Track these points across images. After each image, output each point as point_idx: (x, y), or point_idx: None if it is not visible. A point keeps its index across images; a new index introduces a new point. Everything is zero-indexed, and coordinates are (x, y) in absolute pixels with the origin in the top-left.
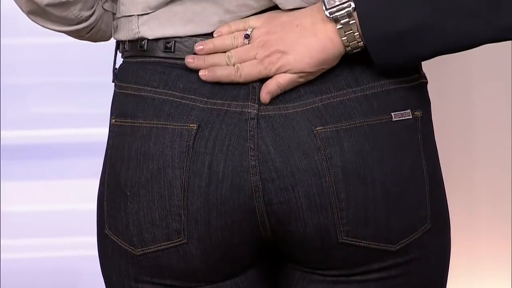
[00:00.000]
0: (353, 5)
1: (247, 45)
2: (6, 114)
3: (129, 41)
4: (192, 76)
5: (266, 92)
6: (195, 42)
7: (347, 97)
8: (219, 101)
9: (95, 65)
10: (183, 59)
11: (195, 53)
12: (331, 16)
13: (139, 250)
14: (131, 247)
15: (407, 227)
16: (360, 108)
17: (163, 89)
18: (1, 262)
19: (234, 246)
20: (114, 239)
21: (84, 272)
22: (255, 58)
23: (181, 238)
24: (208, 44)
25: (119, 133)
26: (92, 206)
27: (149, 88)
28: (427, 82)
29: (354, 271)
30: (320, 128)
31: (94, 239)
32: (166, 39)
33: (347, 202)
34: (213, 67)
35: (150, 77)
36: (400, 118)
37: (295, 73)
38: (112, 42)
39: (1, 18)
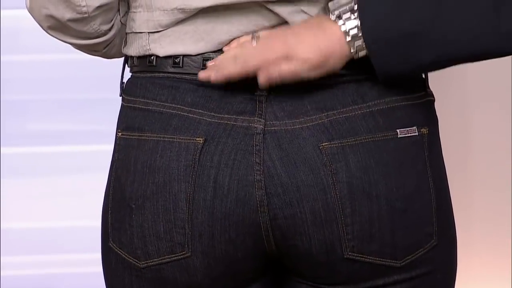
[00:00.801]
0: (353, 3)
1: (254, 46)
2: (6, 131)
3: (138, 57)
4: (200, 90)
5: (265, 76)
6: (203, 58)
7: (353, 113)
8: (226, 116)
9: (94, 82)
10: (192, 73)
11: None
12: (335, 14)
13: (143, 262)
14: (135, 260)
15: (412, 243)
16: (366, 125)
17: (171, 103)
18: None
19: (238, 260)
20: (118, 251)
21: None
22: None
23: (185, 252)
24: (217, 59)
25: (125, 146)
26: (90, 223)
27: (157, 102)
28: (434, 100)
29: (359, 286)
30: (326, 143)
31: (90, 256)
32: (175, 56)
33: (352, 218)
34: (220, 67)
35: (159, 91)
36: (406, 135)
37: (299, 60)
38: (110, 60)
39: (0, 35)
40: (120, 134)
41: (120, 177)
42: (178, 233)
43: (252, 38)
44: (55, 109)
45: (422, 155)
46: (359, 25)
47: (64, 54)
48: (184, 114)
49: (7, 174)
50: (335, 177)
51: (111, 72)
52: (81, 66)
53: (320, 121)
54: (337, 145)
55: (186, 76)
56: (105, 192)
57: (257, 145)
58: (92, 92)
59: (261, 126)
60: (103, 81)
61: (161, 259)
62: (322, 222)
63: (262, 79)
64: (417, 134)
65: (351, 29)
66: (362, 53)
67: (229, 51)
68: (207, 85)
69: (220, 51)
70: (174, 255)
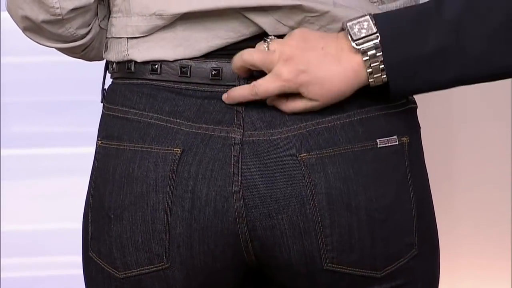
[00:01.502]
0: (378, 39)
1: (269, 54)
2: None
3: (117, 62)
4: (178, 99)
5: (284, 107)
6: (181, 65)
7: (332, 123)
8: (203, 125)
9: (80, 84)
10: (170, 81)
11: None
12: (359, 47)
13: (122, 273)
14: (114, 270)
15: (392, 253)
16: (345, 135)
17: (149, 112)
18: None
19: (217, 270)
20: (97, 261)
21: None
22: (274, 73)
23: (163, 263)
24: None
25: (104, 155)
26: (77, 225)
27: (135, 111)
28: (416, 107)
29: None
30: (305, 154)
31: (78, 259)
32: (153, 62)
33: (331, 229)
34: (232, 89)
35: (137, 99)
36: (386, 145)
37: (310, 99)
38: (95, 61)
39: None
40: (99, 142)
41: (99, 186)
42: (157, 244)
43: (264, 41)
44: (38, 112)
45: (402, 165)
46: (382, 59)
47: (50, 55)
48: (162, 123)
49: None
50: (314, 188)
51: (98, 74)
52: (68, 68)
53: (298, 132)
54: (316, 156)
55: (165, 84)
56: (85, 201)
57: (235, 155)
58: (78, 94)
59: (239, 137)
60: (89, 83)
61: (140, 270)
62: (301, 234)
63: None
64: (397, 143)
65: (373, 62)
66: (379, 84)
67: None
68: (185, 93)
69: (197, 58)
70: (153, 266)
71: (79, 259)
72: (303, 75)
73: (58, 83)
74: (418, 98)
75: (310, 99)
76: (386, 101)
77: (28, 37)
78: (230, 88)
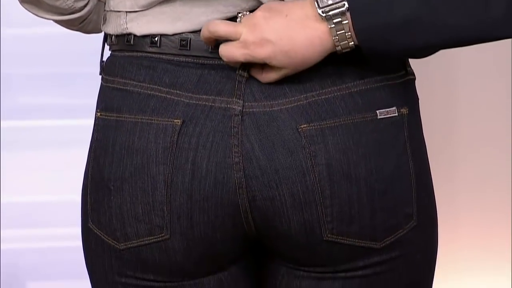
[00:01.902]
0: (347, 5)
1: (235, 25)
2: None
3: (116, 35)
4: (178, 70)
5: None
6: (181, 38)
7: (332, 95)
8: (204, 96)
9: (76, 56)
10: (169, 53)
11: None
12: (324, 15)
13: (122, 244)
14: (114, 241)
15: (392, 224)
16: (345, 106)
17: (148, 83)
18: None
19: (217, 241)
20: (97, 232)
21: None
22: (240, 41)
23: (163, 234)
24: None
25: (104, 127)
26: (76, 197)
27: (135, 83)
28: (415, 79)
29: (339, 268)
30: (305, 125)
31: (78, 230)
32: (153, 35)
33: (331, 200)
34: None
35: (136, 71)
36: (385, 116)
37: (280, 68)
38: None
39: None
40: (98, 114)
41: (98, 158)
42: (157, 215)
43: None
44: (38, 83)
45: (402, 136)
46: (350, 23)
47: (55, 28)
48: (162, 95)
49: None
50: (314, 160)
51: (96, 47)
52: (66, 40)
53: (299, 103)
54: (316, 127)
55: (164, 56)
56: (84, 172)
57: (235, 127)
58: (76, 66)
59: (239, 108)
60: (87, 55)
61: (140, 241)
62: (301, 204)
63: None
64: (396, 114)
65: (338, 29)
66: (347, 50)
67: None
68: (184, 65)
69: (197, 32)
70: (153, 237)
71: (78, 230)
72: (267, 45)
73: (56, 55)
74: (416, 70)
75: (279, 68)
76: (385, 72)
77: (26, 9)
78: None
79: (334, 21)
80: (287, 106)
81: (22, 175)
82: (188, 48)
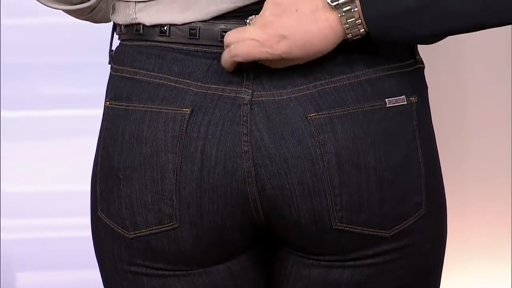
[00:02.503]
0: None
1: (247, 27)
2: (5, 94)
3: (125, 25)
4: (187, 59)
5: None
6: (190, 28)
7: (341, 83)
8: (213, 86)
9: (83, 45)
10: (178, 43)
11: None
12: (333, 3)
13: (132, 233)
14: (124, 230)
15: (401, 213)
16: (354, 95)
17: (158, 72)
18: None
19: (226, 230)
20: (106, 221)
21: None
22: (254, 39)
23: (173, 223)
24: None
25: (113, 116)
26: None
27: (144, 72)
28: (424, 67)
29: (348, 256)
30: (314, 114)
31: (81, 220)
32: (162, 25)
33: (341, 188)
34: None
35: (146, 60)
36: (395, 104)
37: (292, 59)
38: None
39: None
40: (108, 103)
41: (107, 147)
42: (166, 204)
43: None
44: (43, 73)
45: (411, 124)
46: (359, 11)
47: (67, 17)
48: (171, 84)
49: (6, 137)
50: (323, 148)
51: (104, 36)
52: (74, 30)
53: (308, 92)
54: (325, 115)
55: (173, 45)
56: (93, 161)
57: (244, 115)
58: (82, 56)
59: (249, 97)
60: (95, 44)
61: (149, 230)
62: (311, 193)
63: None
64: (405, 103)
65: (348, 18)
66: (357, 37)
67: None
68: (194, 54)
69: (206, 21)
70: (162, 226)
71: (82, 221)
72: (283, 41)
73: (61, 45)
74: (424, 58)
75: (292, 60)
76: (394, 61)
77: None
78: None
79: (344, 9)
80: (296, 95)
81: (24, 165)
82: (197, 37)
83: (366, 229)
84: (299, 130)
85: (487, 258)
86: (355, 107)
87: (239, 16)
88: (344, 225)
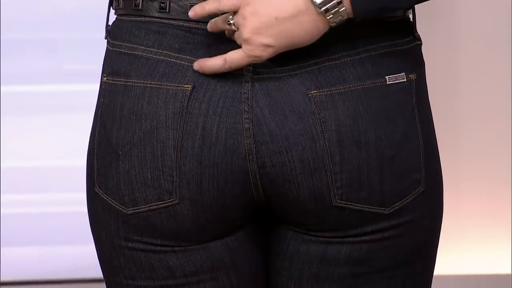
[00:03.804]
0: None
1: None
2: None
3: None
4: (188, 36)
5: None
6: (190, 3)
7: (342, 60)
8: None
9: (76, 20)
10: (179, 19)
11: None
12: (322, 9)
13: (130, 209)
14: (122, 206)
15: (400, 190)
16: (355, 72)
17: (158, 48)
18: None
19: (226, 207)
20: (104, 197)
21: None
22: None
23: (172, 199)
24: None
25: (111, 92)
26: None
27: (143, 48)
28: (421, 44)
29: (347, 233)
30: (315, 91)
31: (77, 196)
32: (161, 0)
33: (341, 166)
34: (204, 60)
35: (145, 36)
36: (395, 82)
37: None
38: None
39: None
40: (105, 78)
41: (105, 123)
42: (166, 181)
43: (228, 23)
44: (37, 49)
45: (410, 101)
46: (349, 12)
47: None
48: (172, 60)
49: (7, 112)
50: (324, 125)
51: (98, 11)
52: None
53: (309, 69)
54: (326, 93)
55: (173, 22)
56: (90, 137)
57: (245, 92)
58: (75, 31)
59: (250, 74)
60: (86, 19)
61: (148, 206)
62: (311, 170)
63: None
64: (405, 80)
65: (336, 16)
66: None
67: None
68: (194, 31)
69: None
70: (162, 202)
71: (78, 196)
72: (269, 49)
73: (52, 20)
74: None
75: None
76: (393, 38)
77: None
78: None
79: (332, 11)
80: (296, 72)
81: (12, 140)
82: None
83: (365, 206)
84: (300, 107)
85: (481, 238)
86: (355, 84)
87: None
88: (344, 202)
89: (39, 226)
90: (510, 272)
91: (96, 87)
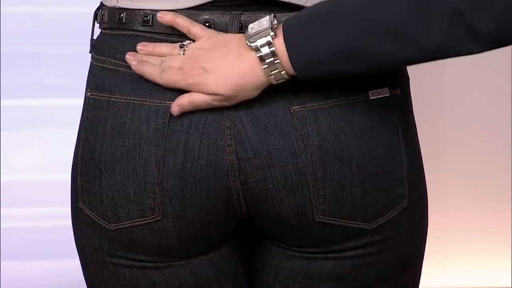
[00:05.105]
0: (270, 36)
1: (179, 55)
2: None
3: (108, 11)
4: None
5: (177, 105)
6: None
7: None
8: None
9: (62, 35)
10: (161, 33)
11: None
12: (251, 44)
13: (113, 225)
14: (105, 222)
15: (384, 205)
16: (337, 87)
17: None
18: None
19: (209, 223)
20: (87, 213)
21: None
22: (180, 68)
23: (155, 215)
24: (148, 47)
25: (94, 107)
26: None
27: (126, 64)
28: None
29: (330, 248)
30: (297, 107)
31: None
32: (144, 12)
33: (324, 181)
34: (143, 61)
35: (128, 52)
36: (377, 96)
37: (209, 94)
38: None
39: None
40: (89, 93)
41: (89, 138)
42: (148, 197)
43: (180, 47)
44: (51, 62)
45: (393, 116)
46: (282, 60)
47: (54, 7)
48: None
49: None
50: (306, 141)
51: (82, 25)
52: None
53: (291, 85)
54: (308, 108)
55: (156, 36)
56: (74, 151)
57: (227, 109)
58: (63, 45)
59: None
60: (72, 34)
61: (131, 222)
62: (294, 186)
63: (174, 109)
64: (388, 95)
65: (269, 61)
66: (282, 81)
67: (160, 50)
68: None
69: (189, 9)
70: (144, 219)
71: (64, 210)
72: (203, 73)
73: (44, 34)
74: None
75: (209, 94)
76: None
77: None
78: None
79: (262, 49)
80: (279, 88)
81: (5, 155)
82: None
83: (349, 221)
84: (282, 123)
85: (466, 250)
86: (338, 99)
87: (222, 5)
88: (326, 218)
89: (39, 240)
90: (511, 286)
91: (77, 101)
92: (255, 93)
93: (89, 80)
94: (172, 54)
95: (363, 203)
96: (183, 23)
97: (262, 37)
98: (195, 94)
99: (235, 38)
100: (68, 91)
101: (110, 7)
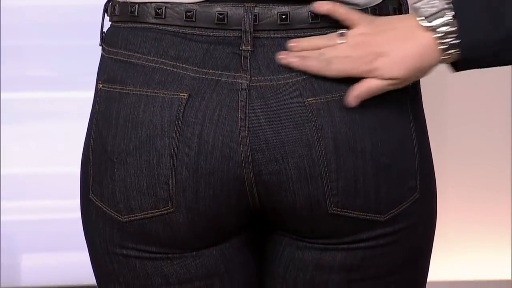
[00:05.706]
0: (450, 16)
1: (340, 45)
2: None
3: (119, 4)
4: (184, 44)
5: (355, 96)
6: (186, 9)
7: None
8: (210, 71)
9: (70, 28)
10: (174, 25)
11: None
12: (428, 25)
13: (125, 217)
14: (117, 214)
15: (396, 197)
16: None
17: (154, 56)
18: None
19: (222, 215)
20: (99, 204)
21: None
22: (347, 56)
23: (168, 207)
24: (303, 42)
25: (106, 99)
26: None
27: (139, 55)
28: None
29: (342, 240)
30: (311, 99)
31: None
32: (157, 4)
33: (337, 173)
34: (305, 56)
35: (141, 43)
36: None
37: (386, 79)
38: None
39: None
40: (101, 85)
41: (101, 130)
42: (162, 189)
43: (340, 35)
44: (51, 55)
45: (405, 108)
46: (455, 38)
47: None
48: (168, 68)
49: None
50: (320, 133)
51: (92, 18)
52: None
53: (305, 77)
54: (322, 100)
55: (169, 28)
56: (84, 144)
57: (242, 101)
58: (69, 39)
59: (246, 82)
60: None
61: (144, 214)
62: (307, 178)
63: (351, 100)
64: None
65: (444, 39)
66: (452, 61)
67: (315, 42)
68: (190, 38)
69: (200, 3)
70: (157, 210)
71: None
72: (377, 58)
73: (53, 27)
74: None
75: (385, 79)
76: None
77: None
78: (235, 33)
79: (439, 30)
80: (293, 80)
81: (19, 146)
82: (193, 19)
83: (361, 213)
84: (296, 115)
85: (482, 243)
86: None
87: None
88: (339, 209)
89: (39, 233)
90: (510, 278)
91: (77, 94)
92: (425, 75)
93: (100, 73)
94: (329, 45)
95: (376, 196)
96: (342, 11)
97: (439, 17)
98: (372, 81)
99: (404, 20)
100: (69, 84)
101: (122, 2)
